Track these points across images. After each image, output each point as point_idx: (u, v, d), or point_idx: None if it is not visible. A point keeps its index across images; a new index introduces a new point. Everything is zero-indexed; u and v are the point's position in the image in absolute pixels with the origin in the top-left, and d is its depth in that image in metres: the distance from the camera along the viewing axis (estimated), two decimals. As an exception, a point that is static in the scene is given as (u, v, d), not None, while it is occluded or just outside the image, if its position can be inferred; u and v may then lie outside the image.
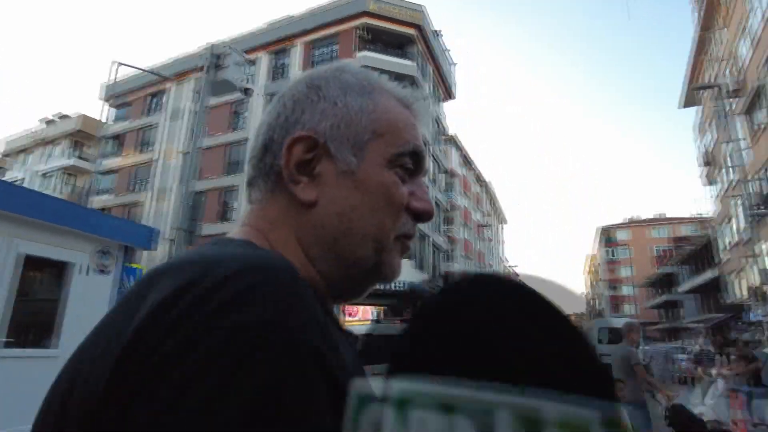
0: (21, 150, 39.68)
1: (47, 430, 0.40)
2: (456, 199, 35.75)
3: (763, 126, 19.45)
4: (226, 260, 0.41)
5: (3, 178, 11.82)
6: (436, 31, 29.40)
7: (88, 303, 5.54)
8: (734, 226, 24.14)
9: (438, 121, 30.95)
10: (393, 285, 18.98)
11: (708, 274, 31.52)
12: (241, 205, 25.67)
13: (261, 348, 0.34)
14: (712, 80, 23.73)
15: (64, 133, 36.92)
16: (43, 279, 5.83)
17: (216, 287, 0.37)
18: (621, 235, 70.06)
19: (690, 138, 32.61)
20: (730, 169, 21.56)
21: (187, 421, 0.31)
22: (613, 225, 72.18)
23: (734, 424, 5.87)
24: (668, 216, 68.23)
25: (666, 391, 5.68)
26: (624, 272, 65.59)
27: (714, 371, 9.95)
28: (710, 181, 29.53)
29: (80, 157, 35.52)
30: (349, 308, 21.60)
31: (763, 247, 19.59)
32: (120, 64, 10.20)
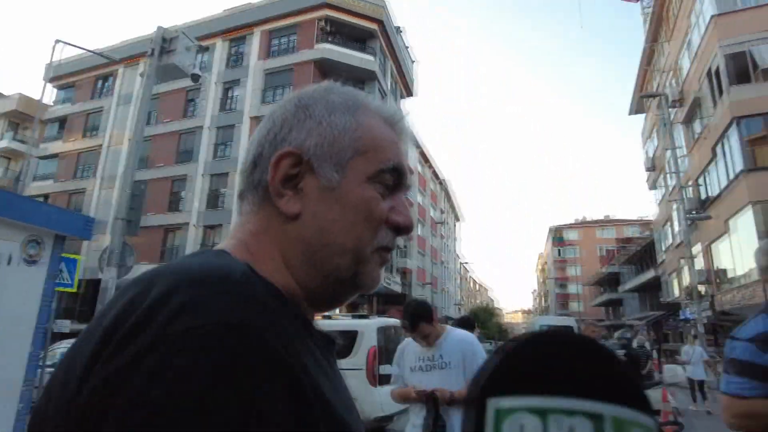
0: (-48, 130, 37.00)
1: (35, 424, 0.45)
2: (412, 196, 36.05)
3: (698, 135, 20.62)
4: (176, 273, 0.46)
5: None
6: (397, 27, 29.43)
7: (16, 295, 5.22)
8: (673, 229, 25.50)
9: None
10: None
11: (649, 274, 33.19)
12: (194, 195, 24.92)
13: (203, 351, 0.38)
14: (658, 90, 24.91)
15: (0, 114, 34.65)
16: (-34, 269, 5.45)
17: (159, 302, 0.42)
18: (570, 235, 72.71)
19: (638, 144, 34.18)
20: (671, 175, 22.74)
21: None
22: (563, 225, 74.81)
23: None
24: (615, 218, 71.43)
25: None
26: (572, 271, 68.20)
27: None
28: (654, 185, 31.06)
29: (17, 140, 33.41)
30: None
31: (697, 249, 20.80)
32: (64, 43, 9.62)
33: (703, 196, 20.62)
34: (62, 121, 31.31)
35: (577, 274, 64.87)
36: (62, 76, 31.17)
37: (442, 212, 50.46)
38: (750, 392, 1.70)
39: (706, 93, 19.19)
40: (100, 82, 31.04)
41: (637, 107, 32.67)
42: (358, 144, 0.59)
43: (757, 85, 16.76)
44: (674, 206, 22.62)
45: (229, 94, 26.68)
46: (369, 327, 7.45)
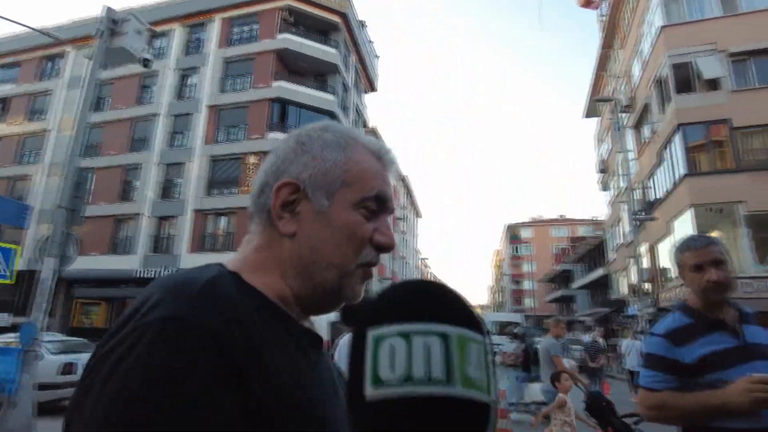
0: None
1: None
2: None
3: (646, 140, 21.58)
4: (164, 283, 0.59)
5: None
6: (361, 21, 29.26)
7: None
8: (622, 229, 26.61)
9: (359, 112, 30.94)
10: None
11: (599, 272, 34.51)
12: (147, 185, 24.05)
13: (161, 337, 0.50)
14: (612, 95, 25.87)
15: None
16: None
17: (144, 304, 0.55)
18: (525, 233, 74.62)
19: (592, 146, 35.41)
20: (621, 177, 23.71)
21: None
22: (519, 223, 76.69)
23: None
24: (569, 217, 73.79)
25: (580, 380, 6.22)
26: (526, 268, 69.98)
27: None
28: (605, 187, 32.27)
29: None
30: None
31: (643, 248, 21.80)
32: (1, 18, 9.02)
33: (650, 198, 21.61)
34: (3, 102, 29.49)
35: (532, 271, 66.67)
36: (4, 54, 29.34)
37: (402, 208, 50.76)
38: (661, 385, 1.78)
39: (654, 100, 20.07)
40: (47, 63, 29.37)
41: (591, 111, 33.81)
42: (345, 176, 0.69)
43: (699, 95, 17.66)
44: (623, 207, 23.59)
45: (187, 82, 25.82)
46: (319, 321, 7.45)
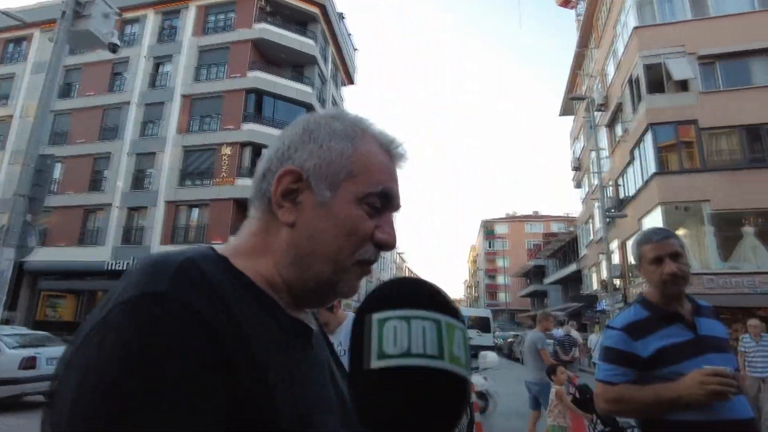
0: None
1: None
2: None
3: (619, 139, 22.00)
4: (142, 263, 0.57)
5: None
6: (340, 13, 29.02)
7: None
8: (594, 226, 27.14)
9: (336, 105, 30.73)
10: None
11: (571, 267, 35.15)
12: (117, 175, 23.43)
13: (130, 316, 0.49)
14: (586, 93, 26.26)
15: None
16: None
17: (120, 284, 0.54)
18: (500, 229, 75.60)
19: (567, 144, 35.97)
20: (594, 175, 24.12)
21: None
22: (494, 219, 77.64)
23: None
24: (543, 214, 75.01)
25: (567, 373, 6.32)
26: (501, 263, 70.89)
27: None
28: (579, 184, 32.84)
29: None
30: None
31: (614, 245, 22.26)
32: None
33: (622, 195, 22.07)
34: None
35: (506, 266, 67.53)
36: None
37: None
38: (618, 378, 1.78)
39: (627, 99, 20.45)
40: (10, 46, 28.27)
41: (566, 109, 34.34)
42: (350, 168, 0.66)
43: (669, 96, 18.07)
44: (595, 204, 24.04)
45: (160, 70, 25.21)
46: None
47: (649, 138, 18.03)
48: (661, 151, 17.80)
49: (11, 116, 26.12)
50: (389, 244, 0.67)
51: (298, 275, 0.65)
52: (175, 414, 0.44)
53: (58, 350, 8.96)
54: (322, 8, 25.77)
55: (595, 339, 13.03)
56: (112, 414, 0.43)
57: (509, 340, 28.06)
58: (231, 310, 0.54)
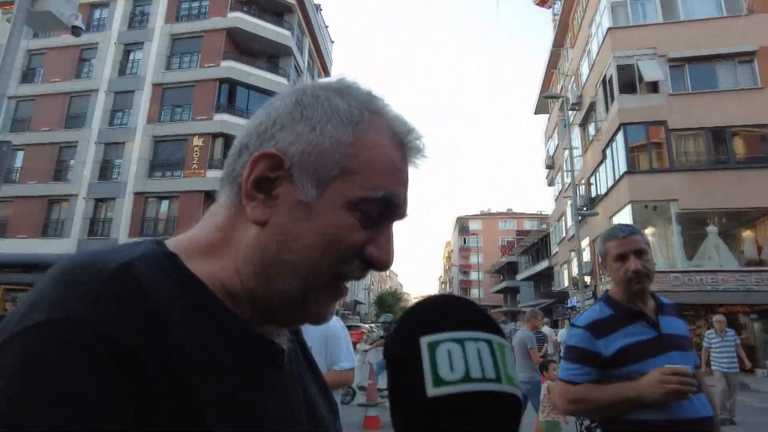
0: None
1: None
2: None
3: (592, 138, 22.39)
4: (57, 267, 0.46)
5: None
6: (317, 4, 28.66)
7: None
8: (566, 224, 27.60)
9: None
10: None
11: (543, 264, 35.77)
12: (83, 165, 22.65)
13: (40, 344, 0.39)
14: (561, 92, 26.61)
15: None
16: None
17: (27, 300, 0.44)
18: (474, 225, 76.44)
19: (541, 142, 36.46)
20: (567, 173, 24.50)
21: None
22: (468, 216, 78.40)
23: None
24: (516, 211, 76.08)
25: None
26: (474, 259, 71.68)
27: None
28: (552, 182, 33.35)
29: None
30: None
31: (584, 242, 22.68)
32: None
33: (593, 194, 22.48)
34: None
35: (479, 263, 68.29)
36: None
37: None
38: (581, 378, 1.75)
39: (600, 99, 20.80)
40: (-30, 28, 27.04)
41: (541, 107, 34.76)
42: (347, 162, 0.52)
43: (641, 96, 18.45)
44: (568, 202, 24.42)
45: (130, 57, 24.42)
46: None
47: (620, 137, 18.37)
48: (632, 151, 18.17)
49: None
50: (383, 263, 0.54)
51: (262, 287, 0.52)
52: None
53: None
54: (299, -1, 25.40)
55: (565, 334, 13.30)
56: None
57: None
58: (168, 336, 0.43)
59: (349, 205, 0.52)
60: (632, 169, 17.93)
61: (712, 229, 17.38)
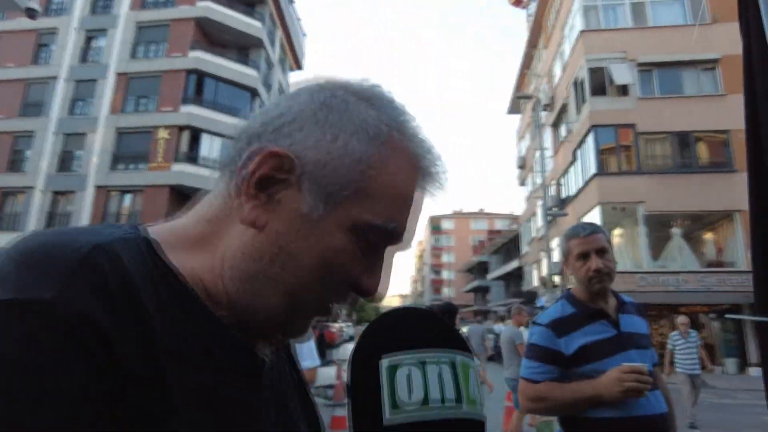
0: None
1: None
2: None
3: (563, 139, 22.65)
4: (20, 242, 0.41)
5: None
6: (290, -3, 28.14)
7: None
8: (536, 224, 27.91)
9: (283, 91, 29.85)
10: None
11: (513, 264, 36.14)
12: (41, 156, 21.61)
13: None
14: (534, 93, 26.86)
15: None
16: None
17: None
18: (446, 225, 76.99)
19: (513, 143, 36.83)
20: (538, 174, 24.74)
21: None
22: (441, 215, 78.86)
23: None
24: (487, 211, 76.93)
25: None
26: (446, 258, 72.24)
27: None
28: (523, 182, 33.69)
29: None
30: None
31: (554, 243, 22.94)
32: None
33: (563, 195, 22.75)
34: None
35: (451, 262, 68.80)
36: None
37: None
38: (541, 376, 1.75)
39: (571, 100, 21.04)
40: None
41: (514, 107, 35.07)
42: (364, 184, 0.48)
43: (611, 99, 18.73)
44: (538, 203, 24.66)
45: (93, 44, 23.44)
46: None
47: (590, 139, 18.60)
48: (601, 153, 18.42)
49: None
50: (370, 292, 0.51)
51: (245, 299, 0.47)
52: None
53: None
54: (271, -10, 24.85)
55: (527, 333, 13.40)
56: None
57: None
58: (148, 324, 0.40)
59: (355, 229, 0.48)
60: (602, 171, 18.19)
61: (676, 231, 17.80)
